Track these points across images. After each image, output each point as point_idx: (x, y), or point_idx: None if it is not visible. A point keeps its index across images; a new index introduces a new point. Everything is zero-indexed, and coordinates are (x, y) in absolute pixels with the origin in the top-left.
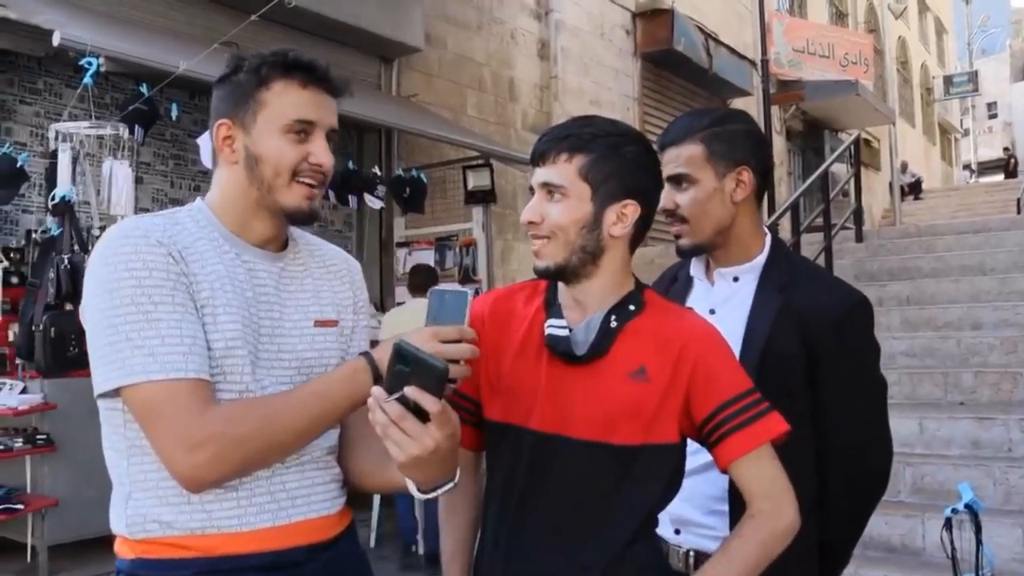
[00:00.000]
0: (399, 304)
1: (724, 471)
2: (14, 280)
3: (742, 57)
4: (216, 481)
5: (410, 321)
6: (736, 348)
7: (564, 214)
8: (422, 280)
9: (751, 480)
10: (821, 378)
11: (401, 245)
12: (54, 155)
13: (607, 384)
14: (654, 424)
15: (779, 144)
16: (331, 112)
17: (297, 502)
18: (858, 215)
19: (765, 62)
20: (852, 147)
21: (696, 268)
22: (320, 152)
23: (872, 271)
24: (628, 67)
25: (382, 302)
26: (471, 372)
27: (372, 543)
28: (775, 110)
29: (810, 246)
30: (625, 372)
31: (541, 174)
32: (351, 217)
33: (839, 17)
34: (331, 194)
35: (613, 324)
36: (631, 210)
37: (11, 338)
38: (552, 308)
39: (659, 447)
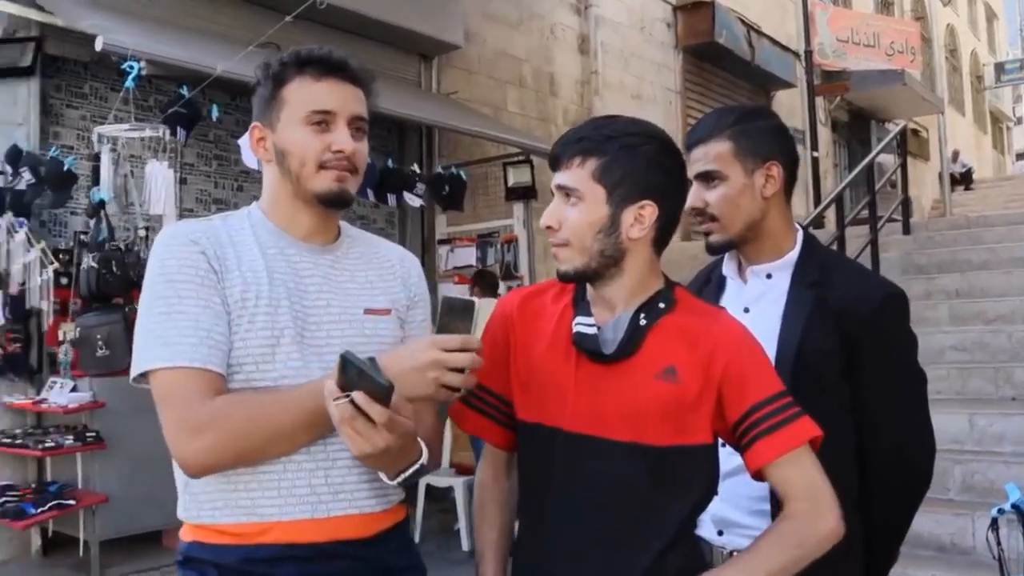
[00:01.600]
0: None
1: (755, 476)
2: (64, 281)
3: (785, 48)
4: (212, 467)
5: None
6: (771, 346)
7: (580, 218)
8: (487, 283)
9: (786, 483)
10: (858, 373)
11: (443, 242)
12: (97, 158)
13: (636, 383)
14: (685, 424)
15: (824, 136)
16: (353, 101)
17: (339, 497)
18: (905, 206)
19: (808, 53)
20: (898, 137)
21: (728, 267)
22: (342, 140)
23: (920, 264)
24: (669, 61)
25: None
26: (475, 382)
27: (417, 539)
28: (820, 101)
29: (857, 239)
30: (654, 371)
31: (557, 178)
32: (393, 215)
33: (884, 5)
34: (370, 193)
35: (643, 322)
36: (648, 211)
37: (61, 338)
38: (580, 305)
39: (691, 448)
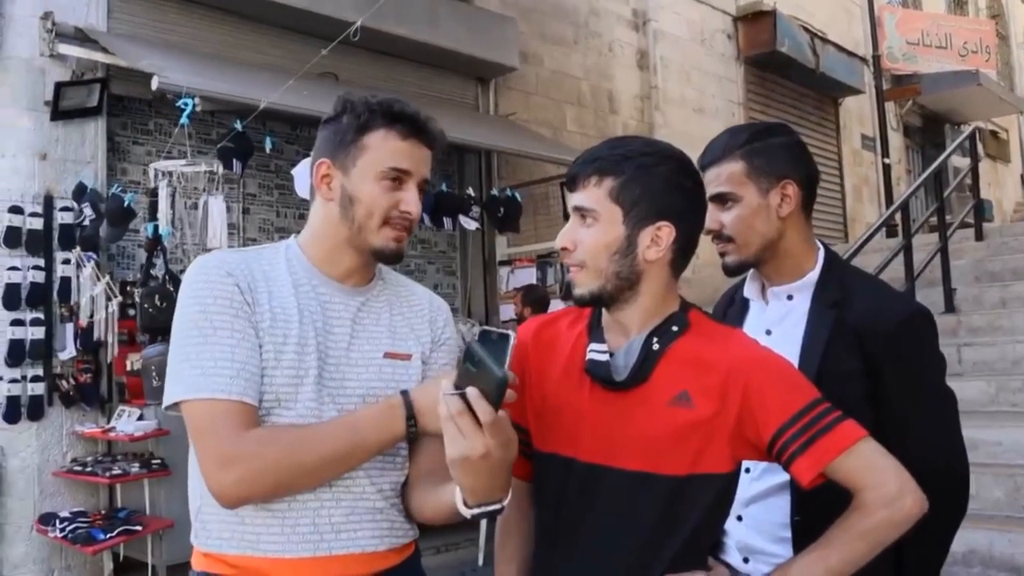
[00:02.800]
0: (504, 322)
1: (808, 488)
2: (131, 312)
3: (852, 54)
4: (246, 499)
5: None
6: None
7: (595, 238)
8: (536, 298)
9: (847, 480)
10: (883, 394)
11: (503, 263)
12: (154, 193)
13: (650, 411)
14: (701, 453)
15: (896, 141)
16: (426, 164)
17: (341, 536)
18: (978, 211)
19: (877, 58)
20: (968, 140)
21: (751, 289)
22: (411, 201)
23: (994, 271)
24: (731, 72)
25: (487, 320)
26: (508, 415)
27: (481, 561)
28: (890, 106)
29: (927, 247)
30: (668, 398)
31: (573, 199)
32: (454, 238)
33: (957, 5)
34: (425, 217)
35: (655, 347)
36: (665, 232)
37: (128, 367)
38: (594, 332)
39: (708, 477)
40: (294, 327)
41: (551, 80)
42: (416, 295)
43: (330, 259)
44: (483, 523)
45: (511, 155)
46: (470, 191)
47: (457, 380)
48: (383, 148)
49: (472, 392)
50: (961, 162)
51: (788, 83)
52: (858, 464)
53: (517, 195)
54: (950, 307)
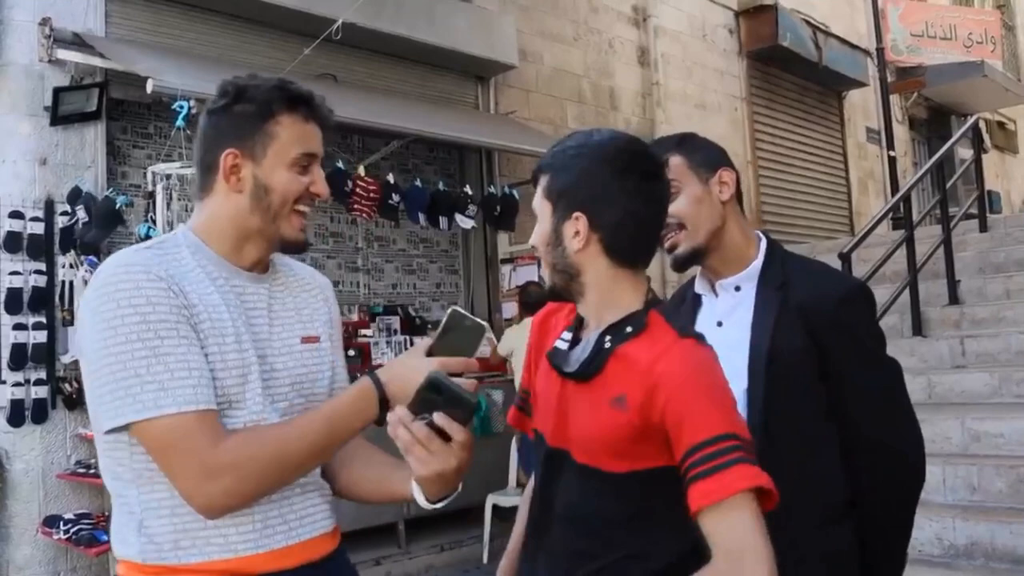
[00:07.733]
0: (507, 320)
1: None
2: None
3: (855, 47)
4: (233, 508)
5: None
6: (743, 354)
7: (536, 235)
8: (528, 301)
9: (712, 534)
10: (830, 370)
11: (505, 261)
12: (152, 195)
13: (595, 407)
14: (635, 453)
15: (901, 134)
16: (323, 142)
17: (304, 522)
18: (982, 202)
19: (880, 50)
20: (970, 131)
21: (701, 285)
22: (320, 183)
23: (998, 262)
24: (733, 67)
25: (490, 318)
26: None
27: (485, 559)
28: (895, 99)
29: (930, 239)
30: (609, 397)
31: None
32: (456, 236)
33: None
34: (421, 217)
35: (607, 345)
36: (581, 223)
37: None
38: (576, 323)
39: (651, 472)
40: (228, 323)
41: (551, 77)
42: (307, 276)
43: (237, 250)
44: (487, 520)
45: (512, 153)
46: (467, 189)
47: (417, 407)
48: (290, 134)
49: (440, 418)
50: (969, 154)
51: (791, 77)
52: (724, 528)
53: (515, 193)
54: (954, 299)
